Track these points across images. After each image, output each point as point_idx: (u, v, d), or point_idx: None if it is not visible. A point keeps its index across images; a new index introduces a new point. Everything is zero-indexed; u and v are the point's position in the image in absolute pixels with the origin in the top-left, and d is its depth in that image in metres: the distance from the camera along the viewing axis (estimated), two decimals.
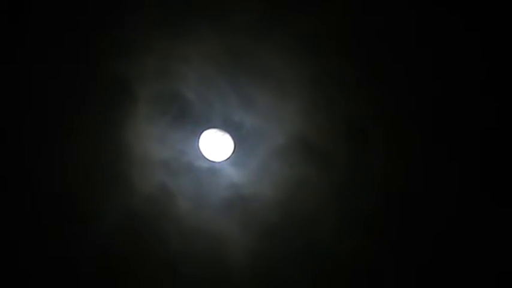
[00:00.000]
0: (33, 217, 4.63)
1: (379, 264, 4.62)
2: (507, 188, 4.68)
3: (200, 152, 4.50)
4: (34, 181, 4.60)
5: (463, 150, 4.56)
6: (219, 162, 4.50)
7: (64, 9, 4.32)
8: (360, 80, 4.42)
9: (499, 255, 4.72)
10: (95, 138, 4.48)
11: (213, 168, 4.54)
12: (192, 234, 4.71)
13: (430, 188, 4.60)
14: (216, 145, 4.48)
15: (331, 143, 4.47)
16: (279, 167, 4.55)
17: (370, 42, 4.38)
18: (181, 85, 4.44)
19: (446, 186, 4.64)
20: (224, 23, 4.30)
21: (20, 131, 4.52)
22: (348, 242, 4.56)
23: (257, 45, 4.33)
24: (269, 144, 4.52)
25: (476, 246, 4.67)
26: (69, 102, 4.40)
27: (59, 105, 4.39)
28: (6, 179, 4.58)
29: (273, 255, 4.64)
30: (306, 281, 4.63)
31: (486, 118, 4.56)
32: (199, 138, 4.49)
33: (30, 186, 4.58)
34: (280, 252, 4.64)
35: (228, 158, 4.48)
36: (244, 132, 4.49)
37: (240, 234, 4.68)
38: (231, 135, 4.47)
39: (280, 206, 4.61)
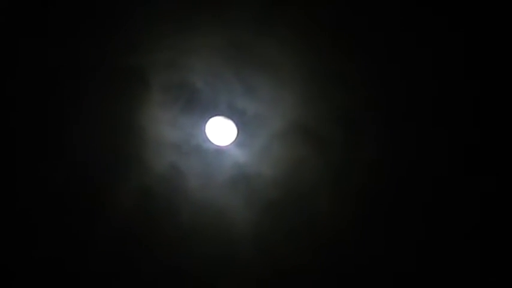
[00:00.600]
0: (57, 194, 4.91)
1: (371, 235, 4.87)
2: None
3: (207, 136, 4.75)
4: (58, 160, 4.86)
5: (449, 133, 4.82)
6: (223, 146, 4.75)
7: (86, 7, 4.59)
8: (353, 71, 4.71)
9: (486, 222, 4.96)
10: (113, 122, 4.82)
11: (219, 150, 4.85)
12: (200, 209, 5.03)
13: (417, 166, 4.83)
14: (221, 131, 4.78)
15: (326, 127, 4.80)
16: (279, 149, 4.87)
17: (363, 38, 4.66)
18: (190, 75, 4.78)
19: (434, 165, 4.88)
20: (228, 18, 4.62)
21: (45, 114, 4.79)
22: (342, 216, 4.84)
23: (259, 39, 4.67)
24: (270, 128, 4.87)
25: (463, 216, 4.92)
26: (90, 90, 4.72)
27: (81, 93, 4.73)
28: (34, 158, 4.84)
29: (273, 228, 4.95)
30: (303, 250, 4.92)
31: (472, 104, 4.78)
32: (205, 124, 4.77)
33: (55, 166, 4.85)
34: (280, 225, 4.95)
35: (231, 143, 4.73)
36: (247, 118, 4.81)
37: (243, 209, 5.00)
38: (234, 121, 4.77)
39: (279, 183, 4.94)
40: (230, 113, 4.82)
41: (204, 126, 4.86)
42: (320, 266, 4.96)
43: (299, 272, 4.99)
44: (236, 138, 4.87)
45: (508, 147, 5.01)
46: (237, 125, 4.86)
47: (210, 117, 4.86)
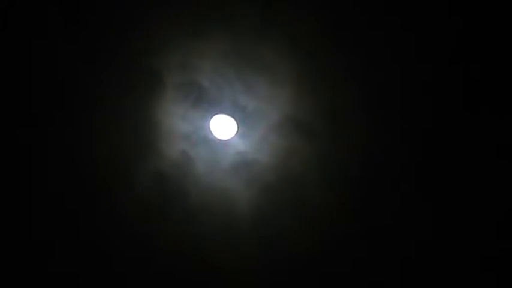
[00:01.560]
0: (86, 173, 5.32)
1: (352, 212, 5.33)
2: None
3: (211, 130, 5.17)
4: (87, 146, 5.25)
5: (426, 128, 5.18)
6: (226, 139, 5.17)
7: (111, 16, 4.89)
8: (337, 72, 5.03)
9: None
10: (133, 115, 5.18)
11: (223, 141, 5.21)
12: (207, 190, 5.44)
13: (395, 152, 5.23)
14: (223, 126, 5.16)
15: (316, 120, 5.18)
16: (275, 139, 5.27)
17: (348, 44, 4.95)
18: (199, 76, 5.09)
19: (411, 151, 5.25)
20: (231, 27, 4.91)
21: (77, 107, 5.13)
22: (328, 195, 5.28)
23: (257, 44, 4.97)
24: (267, 121, 5.23)
25: (443, 198, 5.32)
26: (114, 88, 5.06)
27: (105, 91, 5.08)
28: (67, 143, 5.20)
29: (270, 207, 5.42)
30: (295, 226, 5.38)
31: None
32: (211, 119, 5.14)
33: (86, 150, 5.24)
34: (275, 204, 5.41)
35: (232, 137, 5.13)
36: (248, 113, 5.17)
37: (243, 190, 5.43)
38: (236, 116, 5.11)
39: (275, 169, 5.35)
40: (233, 108, 5.12)
41: (210, 121, 5.16)
42: (308, 237, 5.34)
43: (290, 242, 5.38)
44: (237, 132, 5.16)
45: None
46: (238, 119, 5.14)
47: (214, 115, 5.14)
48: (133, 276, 5.62)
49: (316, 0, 4.91)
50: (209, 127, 5.24)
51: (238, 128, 5.21)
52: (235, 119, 5.21)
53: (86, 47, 5.01)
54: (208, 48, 4.98)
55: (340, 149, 5.28)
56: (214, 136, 5.29)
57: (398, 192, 5.33)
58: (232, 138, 5.27)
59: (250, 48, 4.99)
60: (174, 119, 5.26)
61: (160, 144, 5.32)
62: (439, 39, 5.01)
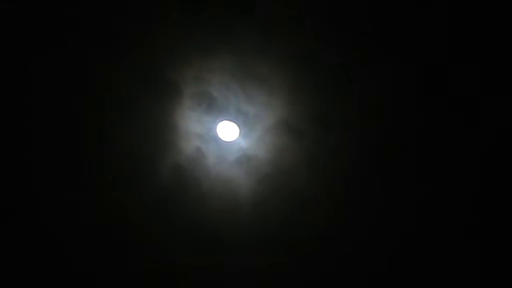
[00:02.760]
0: (115, 168, 5.72)
1: (334, 197, 5.75)
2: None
3: (219, 133, 5.63)
4: (116, 144, 5.61)
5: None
6: (230, 140, 5.66)
7: (140, 39, 5.26)
8: (323, 85, 5.44)
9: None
10: (156, 119, 5.57)
11: (228, 140, 5.68)
12: (216, 179, 5.82)
13: (372, 150, 5.62)
14: (228, 130, 5.64)
15: (303, 123, 5.56)
16: (271, 139, 5.66)
17: (331, 62, 5.33)
18: (209, 87, 5.47)
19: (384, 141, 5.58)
20: (236, 46, 5.29)
21: (108, 113, 5.51)
22: (313, 184, 5.74)
23: (257, 61, 5.35)
24: (264, 124, 5.61)
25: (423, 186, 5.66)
26: (141, 96, 5.45)
27: (134, 99, 5.47)
28: (98, 142, 5.59)
29: (266, 193, 5.83)
30: (288, 209, 5.84)
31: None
32: (218, 125, 5.59)
33: (114, 148, 5.62)
34: (271, 191, 5.81)
35: (235, 139, 5.62)
36: (249, 117, 5.58)
37: (245, 179, 5.81)
38: (239, 120, 5.52)
39: (271, 162, 5.75)
40: (236, 114, 5.52)
41: (218, 125, 5.60)
42: (296, 217, 5.79)
43: (281, 221, 5.82)
44: (239, 134, 5.58)
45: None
46: (240, 123, 5.52)
47: (222, 120, 5.56)
48: (152, 248, 5.91)
49: (302, 26, 5.20)
50: (217, 130, 5.61)
51: (240, 131, 5.57)
52: (238, 123, 5.53)
53: (120, 63, 5.33)
54: (217, 64, 5.37)
55: (323, 147, 5.64)
56: (221, 137, 5.66)
57: (377, 184, 5.69)
58: (235, 140, 5.65)
59: (250, 64, 5.35)
60: (190, 122, 5.61)
61: (178, 142, 5.68)
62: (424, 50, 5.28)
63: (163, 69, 5.40)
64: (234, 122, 5.60)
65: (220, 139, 5.70)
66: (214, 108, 5.57)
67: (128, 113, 5.57)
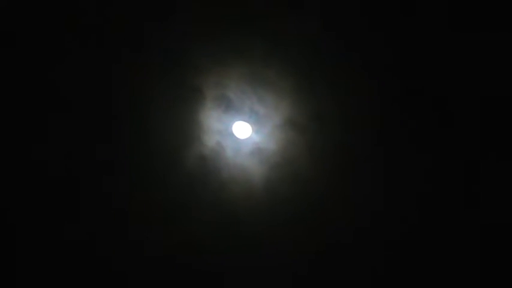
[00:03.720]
0: (143, 161, 6.23)
1: (334, 184, 6.27)
2: None
3: (236, 130, 6.12)
4: (146, 139, 6.10)
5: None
6: (244, 139, 6.13)
7: (170, 49, 5.80)
8: (323, 88, 5.99)
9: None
10: (183, 117, 6.14)
11: (244, 135, 6.15)
12: (234, 168, 6.34)
13: (373, 145, 6.07)
14: (242, 129, 6.18)
15: (307, 120, 6.12)
16: (279, 134, 6.22)
17: (329, 67, 5.88)
18: (227, 91, 6.04)
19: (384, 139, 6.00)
20: (248, 58, 5.91)
21: (140, 114, 6.01)
22: (315, 171, 6.28)
23: (266, 69, 5.95)
24: (273, 122, 6.16)
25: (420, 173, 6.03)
26: (171, 99, 6.03)
27: (165, 101, 6.04)
28: (132, 138, 6.09)
29: (276, 179, 6.35)
30: (292, 191, 6.36)
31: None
32: (235, 123, 6.09)
33: (144, 144, 6.12)
34: (280, 178, 6.33)
35: (249, 136, 6.07)
36: (260, 116, 6.13)
37: (258, 168, 6.35)
38: (252, 119, 6.00)
39: (279, 153, 6.29)
40: (250, 113, 6.04)
41: (235, 123, 6.11)
42: (301, 198, 6.32)
43: (289, 202, 6.32)
44: (252, 132, 6.06)
45: None
46: (253, 121, 6.00)
47: (238, 120, 6.08)
48: (178, 226, 6.36)
49: (302, 37, 5.74)
50: (233, 129, 6.14)
51: (252, 129, 6.05)
52: (251, 122, 6.03)
53: (157, 71, 5.91)
54: (233, 72, 5.94)
55: (323, 141, 6.15)
56: (237, 135, 6.16)
57: (367, 172, 6.25)
58: (248, 137, 6.13)
59: (260, 72, 5.92)
60: (211, 120, 6.14)
61: (202, 136, 6.20)
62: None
63: (190, 76, 6.02)
64: (247, 122, 6.11)
65: (236, 137, 6.18)
66: (231, 109, 6.12)
67: (161, 112, 6.17)
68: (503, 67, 5.55)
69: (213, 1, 5.66)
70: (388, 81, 5.87)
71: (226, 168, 6.30)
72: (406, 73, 5.82)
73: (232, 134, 6.22)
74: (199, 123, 6.18)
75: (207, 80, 5.99)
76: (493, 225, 5.94)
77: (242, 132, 6.19)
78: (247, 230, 6.44)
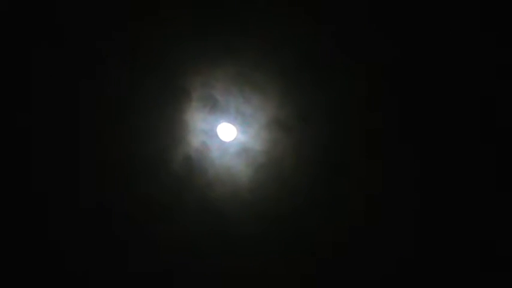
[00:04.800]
0: (134, 158, 6.16)
1: (321, 181, 6.14)
2: None
3: (221, 132, 6.02)
4: (131, 142, 6.08)
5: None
6: (230, 139, 6.09)
7: (155, 51, 5.69)
8: (308, 89, 5.85)
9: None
10: (168, 118, 6.05)
11: (230, 136, 6.07)
12: (219, 169, 6.26)
13: (357, 139, 5.92)
14: (228, 131, 6.12)
15: (292, 121, 6.07)
16: (264, 134, 6.17)
17: (316, 71, 5.69)
18: (213, 91, 5.96)
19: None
20: (236, 59, 5.75)
21: (124, 113, 5.92)
22: (301, 171, 6.21)
23: (253, 71, 5.83)
24: (259, 122, 6.12)
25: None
26: (156, 99, 5.93)
27: (150, 101, 5.94)
28: (114, 142, 5.98)
29: (263, 181, 6.32)
30: (278, 192, 6.29)
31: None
32: (220, 125, 6.01)
33: (128, 145, 6.07)
34: (267, 179, 6.29)
35: (234, 139, 6.04)
36: (246, 117, 6.06)
37: (244, 168, 6.30)
38: (238, 120, 5.94)
39: (266, 154, 6.24)
40: (236, 114, 6.00)
41: (220, 124, 6.07)
42: (286, 199, 6.24)
43: (274, 202, 6.28)
44: (237, 134, 6.04)
45: None
46: (239, 122, 5.97)
47: (222, 122, 6.04)
48: (166, 222, 6.28)
49: (292, 37, 5.60)
50: (220, 128, 6.08)
51: (237, 131, 6.04)
52: (236, 124, 5.99)
53: (141, 71, 5.80)
54: (220, 73, 5.86)
55: (308, 141, 6.12)
56: (221, 137, 6.13)
57: (354, 173, 6.14)
58: (233, 139, 6.11)
59: (248, 73, 5.84)
60: (197, 120, 6.12)
61: (188, 137, 6.18)
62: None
63: (176, 76, 5.93)
64: (233, 123, 6.03)
65: (221, 139, 6.15)
66: (218, 109, 6.09)
67: (146, 112, 6.08)
68: None
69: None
70: (378, 82, 5.73)
71: (213, 168, 6.31)
72: (398, 73, 5.72)
73: (217, 136, 6.23)
74: (185, 123, 6.17)
75: (193, 81, 5.95)
76: None
77: (227, 134, 6.16)
78: (233, 230, 6.39)
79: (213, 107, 6.02)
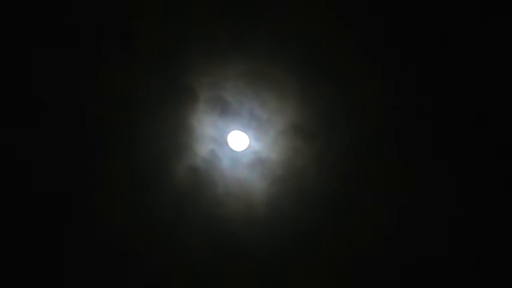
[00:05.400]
0: (135, 168, 5.85)
1: (344, 196, 5.90)
2: None
3: (230, 142, 5.80)
4: (134, 147, 5.80)
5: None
6: (240, 151, 5.88)
7: (160, 50, 5.56)
8: (326, 92, 5.65)
9: None
10: (173, 122, 5.76)
11: (243, 144, 5.84)
12: (230, 181, 5.97)
13: (373, 149, 5.78)
14: (240, 139, 5.86)
15: (312, 126, 5.77)
16: (282, 142, 5.84)
17: (340, 66, 5.55)
18: (224, 92, 5.69)
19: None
20: (248, 54, 5.54)
21: (125, 117, 5.71)
22: (323, 183, 5.88)
23: (268, 69, 5.60)
24: (276, 128, 5.80)
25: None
26: (157, 100, 5.70)
27: (153, 104, 5.70)
28: (118, 147, 5.76)
29: (278, 193, 5.97)
30: (297, 207, 5.97)
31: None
32: (229, 133, 5.79)
33: (132, 151, 5.80)
34: (282, 191, 5.96)
35: (247, 147, 5.80)
36: (262, 122, 5.74)
37: (259, 181, 5.98)
38: (250, 127, 5.69)
39: (282, 164, 5.92)
40: (249, 118, 5.70)
41: (231, 132, 5.82)
42: (308, 220, 5.92)
43: (293, 223, 5.94)
44: (251, 140, 5.75)
45: None
46: (252, 129, 5.71)
47: (233, 130, 5.80)
48: (168, 246, 6.02)
49: (313, 34, 5.44)
50: (231, 135, 5.83)
51: (251, 137, 5.76)
52: (251, 128, 5.72)
53: (139, 69, 5.61)
54: (230, 71, 5.63)
55: (329, 147, 5.81)
56: (235, 144, 5.87)
57: (381, 184, 5.85)
58: (245, 149, 5.85)
59: (262, 71, 5.64)
60: (205, 125, 5.81)
61: (194, 144, 5.87)
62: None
63: (180, 74, 5.67)
64: (246, 129, 5.80)
65: (233, 147, 5.92)
66: (229, 113, 5.81)
67: (147, 116, 5.82)
68: None
69: None
70: (406, 81, 5.57)
71: (221, 182, 5.99)
72: (423, 71, 5.55)
73: (228, 143, 5.95)
74: (190, 129, 5.85)
75: (200, 79, 5.68)
76: None
77: (239, 141, 5.86)
78: (246, 253, 6.03)
79: (223, 110, 5.75)
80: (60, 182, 5.93)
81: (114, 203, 5.98)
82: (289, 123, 5.81)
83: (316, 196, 5.98)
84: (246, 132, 5.84)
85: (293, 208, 6.02)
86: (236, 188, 6.02)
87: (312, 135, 5.83)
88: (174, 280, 6.11)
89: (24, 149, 5.77)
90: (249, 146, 5.88)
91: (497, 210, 5.76)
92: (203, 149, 5.92)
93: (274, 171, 5.97)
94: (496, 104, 5.57)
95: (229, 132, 5.88)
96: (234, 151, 5.93)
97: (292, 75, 5.65)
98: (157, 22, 5.55)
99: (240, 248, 6.03)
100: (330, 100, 5.73)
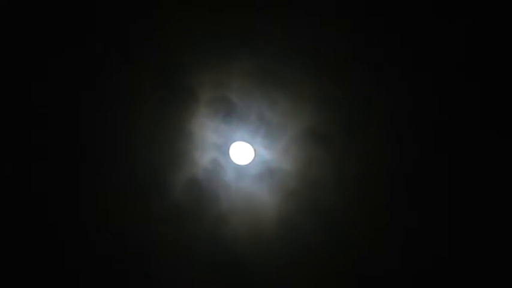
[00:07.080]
0: (127, 179, 5.65)
1: (364, 210, 5.61)
2: None
3: (234, 152, 5.59)
4: (128, 155, 5.61)
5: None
6: (244, 165, 5.66)
7: (155, 44, 5.36)
8: (347, 92, 5.41)
9: None
10: (171, 127, 5.55)
11: (250, 151, 5.56)
12: (236, 195, 5.73)
13: (398, 158, 5.53)
14: (245, 147, 5.63)
15: (330, 131, 5.49)
16: (295, 149, 5.56)
17: (364, 62, 5.34)
18: (228, 92, 5.44)
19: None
20: (256, 49, 5.33)
21: (122, 121, 5.52)
22: (342, 198, 5.59)
23: (279, 65, 5.35)
24: (288, 133, 5.52)
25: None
26: (151, 102, 5.47)
27: (149, 105, 5.47)
28: (116, 153, 5.58)
29: (292, 210, 5.69)
30: (315, 229, 5.68)
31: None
32: (233, 142, 5.59)
33: (126, 159, 5.60)
34: (295, 206, 5.67)
35: (254, 157, 5.59)
36: (272, 126, 5.49)
37: (268, 195, 5.70)
38: (258, 133, 5.50)
39: (295, 175, 5.62)
40: (257, 123, 5.49)
41: (235, 137, 5.60)
42: (326, 239, 5.64)
43: (310, 244, 5.65)
44: (259, 148, 5.57)
45: None
46: (260, 137, 5.53)
47: (240, 133, 5.57)
48: (165, 274, 5.91)
49: (329, 26, 5.28)
50: (237, 143, 5.63)
51: (255, 153, 5.61)
52: (259, 134, 5.54)
53: (131, 65, 5.46)
54: (236, 68, 5.42)
55: (349, 156, 5.59)
56: (241, 151, 5.67)
57: (407, 195, 5.61)
58: (249, 163, 5.67)
59: (272, 68, 5.42)
60: (206, 130, 5.62)
61: (193, 152, 5.68)
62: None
63: (177, 72, 5.49)
64: (254, 136, 5.62)
65: (237, 157, 5.72)
66: (233, 116, 5.62)
67: (142, 121, 5.64)
68: None
69: None
70: (438, 78, 5.38)
71: (224, 195, 5.77)
72: (447, 68, 5.36)
73: (233, 151, 5.69)
74: (189, 134, 5.65)
75: (201, 80, 5.48)
76: None
77: (246, 150, 5.65)
78: (255, 276, 5.82)
79: (228, 113, 5.55)
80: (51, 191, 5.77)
81: (109, 217, 5.82)
82: (304, 128, 5.58)
83: (335, 213, 5.72)
84: (253, 139, 5.62)
85: (308, 227, 5.77)
86: (242, 204, 5.80)
87: (329, 142, 5.60)
88: None
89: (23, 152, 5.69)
90: (256, 154, 5.66)
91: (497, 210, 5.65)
92: (204, 158, 5.74)
93: (287, 184, 5.71)
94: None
95: (234, 139, 5.67)
96: (241, 160, 5.71)
97: (306, 73, 5.44)
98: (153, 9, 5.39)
99: (246, 271, 5.87)
100: (352, 101, 5.52)
